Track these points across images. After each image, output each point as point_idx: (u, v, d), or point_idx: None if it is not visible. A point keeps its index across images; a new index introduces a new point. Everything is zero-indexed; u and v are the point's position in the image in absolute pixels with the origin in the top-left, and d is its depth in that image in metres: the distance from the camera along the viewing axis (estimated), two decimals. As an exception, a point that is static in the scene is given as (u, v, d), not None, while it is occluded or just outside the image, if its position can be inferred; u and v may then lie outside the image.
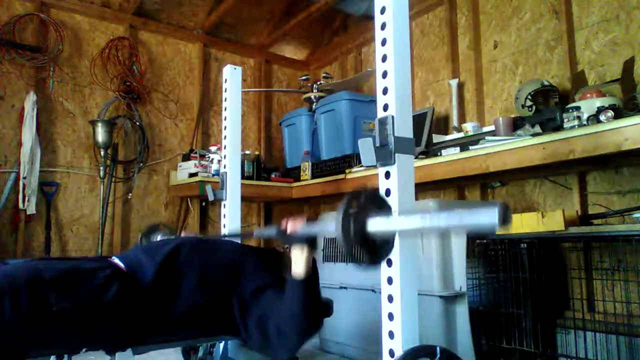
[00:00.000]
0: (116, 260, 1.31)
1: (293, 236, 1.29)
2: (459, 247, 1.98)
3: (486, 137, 2.23)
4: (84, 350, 1.21)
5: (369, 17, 3.52)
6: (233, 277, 1.38)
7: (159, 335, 1.34)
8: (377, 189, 1.00)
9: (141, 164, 3.50)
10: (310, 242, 1.28)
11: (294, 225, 1.30)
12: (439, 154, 2.39)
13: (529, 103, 2.39)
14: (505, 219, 0.67)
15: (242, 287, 1.36)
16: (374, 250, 0.99)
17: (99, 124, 3.22)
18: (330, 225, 1.04)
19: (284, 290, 1.30)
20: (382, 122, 1.22)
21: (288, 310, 1.27)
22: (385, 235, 1.00)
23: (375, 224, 0.95)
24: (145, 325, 1.26)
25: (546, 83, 2.42)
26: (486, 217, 0.69)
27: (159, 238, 2.00)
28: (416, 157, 2.41)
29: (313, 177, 3.26)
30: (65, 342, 1.17)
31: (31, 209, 2.98)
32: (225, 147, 2.31)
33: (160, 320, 1.28)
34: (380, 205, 1.04)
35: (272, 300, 1.32)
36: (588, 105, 1.97)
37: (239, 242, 1.88)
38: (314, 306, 1.31)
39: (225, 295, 1.35)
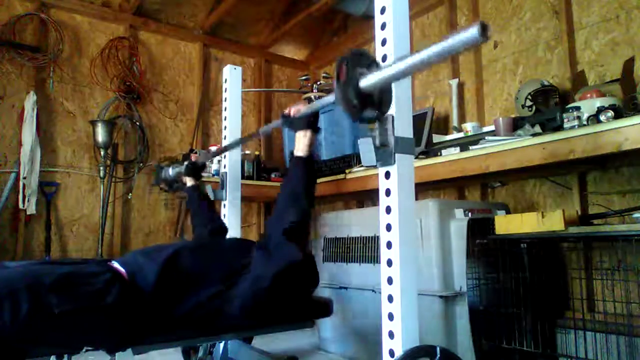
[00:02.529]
0: (116, 265, 1.32)
1: (295, 119, 1.43)
2: (459, 247, 1.98)
3: (486, 137, 2.22)
4: (84, 350, 1.21)
5: (369, 17, 3.52)
6: (233, 275, 1.38)
7: (159, 335, 1.34)
8: (363, 50, 1.04)
9: (141, 164, 3.50)
10: (312, 121, 1.43)
11: (296, 109, 1.44)
12: (439, 154, 2.39)
13: (529, 103, 2.39)
14: (484, 30, 0.75)
15: (241, 285, 1.36)
16: (373, 104, 1.06)
17: (99, 124, 3.23)
18: (327, 96, 1.20)
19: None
20: (382, 122, 1.22)
21: (289, 188, 1.41)
22: (381, 88, 1.06)
23: (368, 80, 1.02)
24: (145, 327, 1.26)
25: (546, 83, 2.42)
26: (468, 33, 0.77)
27: (170, 171, 2.29)
28: (416, 157, 2.41)
29: (313, 177, 3.26)
30: (64, 344, 1.18)
31: (31, 209, 2.98)
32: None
33: (160, 322, 1.28)
34: (369, 64, 1.09)
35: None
36: (588, 105, 1.97)
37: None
38: (312, 184, 1.45)
39: (226, 294, 1.35)
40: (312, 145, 1.44)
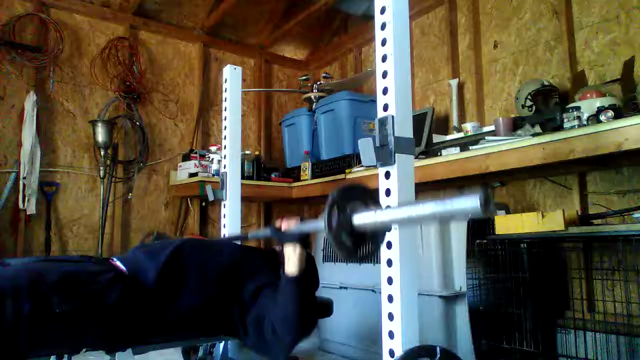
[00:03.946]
0: (117, 262, 1.31)
1: (286, 234, 1.33)
2: (459, 247, 1.98)
3: (486, 137, 2.23)
4: (84, 350, 1.21)
5: (369, 17, 3.52)
6: (234, 277, 1.38)
7: (159, 335, 1.34)
8: (362, 186, 1.03)
9: (141, 164, 3.50)
10: (303, 239, 1.32)
11: (287, 224, 1.34)
12: (439, 154, 2.39)
13: (529, 103, 2.39)
14: (486, 203, 0.72)
15: (243, 288, 1.37)
16: (363, 243, 1.02)
17: (99, 124, 3.23)
18: (318, 222, 1.11)
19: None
20: (382, 122, 1.22)
21: (281, 309, 1.27)
22: (375, 229, 1.03)
23: (362, 218, 0.99)
24: (146, 325, 1.26)
25: (546, 83, 2.42)
26: (468, 203, 0.74)
27: None
28: (416, 157, 2.41)
29: (313, 177, 3.26)
30: (65, 342, 1.17)
31: (31, 209, 2.98)
32: (225, 147, 2.31)
33: (161, 321, 1.28)
34: (368, 201, 1.07)
35: (269, 298, 1.33)
36: (588, 105, 1.97)
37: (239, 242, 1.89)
38: (308, 306, 1.31)
39: (226, 295, 1.35)
40: (303, 260, 1.31)
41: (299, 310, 1.26)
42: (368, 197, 1.08)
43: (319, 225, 1.15)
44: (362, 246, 1.03)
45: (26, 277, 1.09)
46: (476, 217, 1.93)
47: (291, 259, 1.30)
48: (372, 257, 1.09)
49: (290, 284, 1.29)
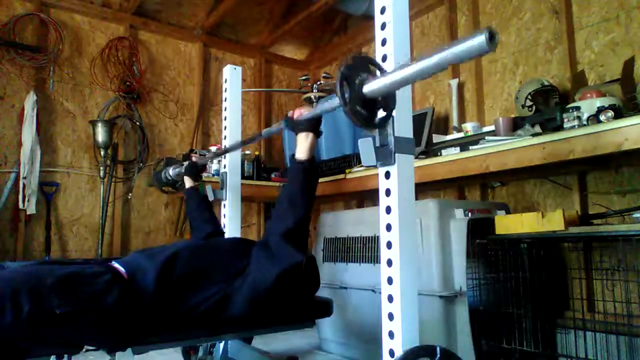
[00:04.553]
0: (116, 265, 1.32)
1: (298, 121, 1.41)
2: (459, 247, 1.98)
3: (486, 137, 2.23)
4: (84, 350, 1.21)
5: (369, 17, 3.52)
6: (233, 275, 1.38)
7: (159, 335, 1.34)
8: (366, 56, 1.06)
9: (141, 164, 3.50)
10: (315, 124, 1.40)
11: (299, 112, 1.43)
12: (439, 154, 2.39)
13: (529, 103, 2.39)
14: (492, 37, 0.73)
15: (242, 283, 1.36)
16: (376, 110, 1.08)
17: (99, 124, 3.23)
18: (331, 100, 1.19)
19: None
20: (383, 122, 1.22)
21: (287, 192, 1.38)
22: (387, 93, 1.07)
23: (372, 86, 1.03)
24: (145, 327, 1.26)
25: (546, 83, 2.42)
26: (475, 40, 0.75)
27: (171, 171, 2.29)
28: (416, 157, 2.41)
29: (313, 177, 3.25)
30: (65, 344, 1.18)
31: (31, 209, 2.98)
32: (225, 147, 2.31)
33: (161, 321, 1.28)
34: (373, 70, 1.11)
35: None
36: (588, 105, 1.97)
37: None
38: (312, 189, 1.42)
39: (226, 293, 1.35)
40: (314, 148, 1.41)
41: (305, 190, 1.37)
42: (372, 64, 1.12)
43: (332, 103, 1.21)
44: (376, 113, 1.09)
45: (26, 279, 1.09)
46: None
47: (302, 145, 1.40)
48: (386, 122, 1.13)
49: (300, 166, 1.39)
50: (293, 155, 1.42)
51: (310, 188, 1.41)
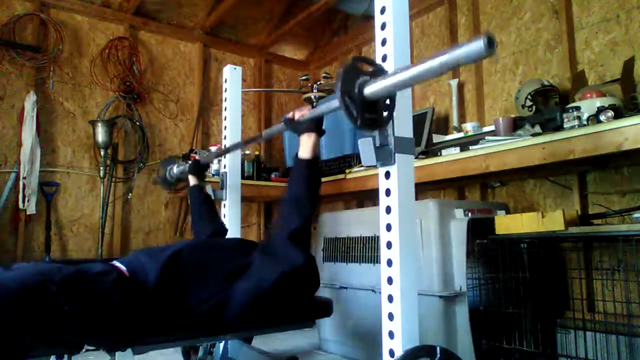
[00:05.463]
0: (118, 264, 1.32)
1: (299, 123, 1.41)
2: (459, 247, 1.98)
3: (486, 137, 2.23)
4: (84, 350, 1.21)
5: (369, 17, 3.52)
6: (235, 275, 1.38)
7: (159, 335, 1.35)
8: (364, 57, 1.06)
9: (141, 164, 3.50)
10: (317, 127, 1.42)
11: (301, 113, 1.43)
12: (439, 154, 2.39)
13: (529, 103, 2.39)
14: (490, 43, 0.76)
15: (244, 284, 1.36)
16: (376, 112, 1.08)
17: (99, 124, 3.23)
18: (332, 101, 1.19)
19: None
20: (383, 123, 1.22)
21: (293, 191, 1.38)
22: (385, 95, 1.08)
23: (372, 88, 1.04)
24: (147, 325, 1.26)
25: (546, 83, 2.42)
26: (473, 46, 0.78)
27: (175, 169, 2.31)
28: (416, 157, 2.41)
29: (313, 177, 3.25)
30: (68, 342, 1.18)
31: (31, 209, 2.98)
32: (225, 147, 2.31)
33: (162, 321, 1.28)
34: (374, 72, 1.11)
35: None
36: (588, 105, 1.97)
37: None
38: (316, 188, 1.42)
39: (227, 293, 1.35)
40: (317, 147, 1.41)
41: (310, 189, 1.38)
42: (372, 65, 1.13)
43: (332, 105, 1.23)
44: (379, 114, 1.10)
45: (34, 277, 1.10)
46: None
47: (306, 145, 1.40)
48: (387, 122, 1.14)
49: (304, 165, 1.40)
50: (296, 155, 1.42)
51: (316, 187, 1.42)
